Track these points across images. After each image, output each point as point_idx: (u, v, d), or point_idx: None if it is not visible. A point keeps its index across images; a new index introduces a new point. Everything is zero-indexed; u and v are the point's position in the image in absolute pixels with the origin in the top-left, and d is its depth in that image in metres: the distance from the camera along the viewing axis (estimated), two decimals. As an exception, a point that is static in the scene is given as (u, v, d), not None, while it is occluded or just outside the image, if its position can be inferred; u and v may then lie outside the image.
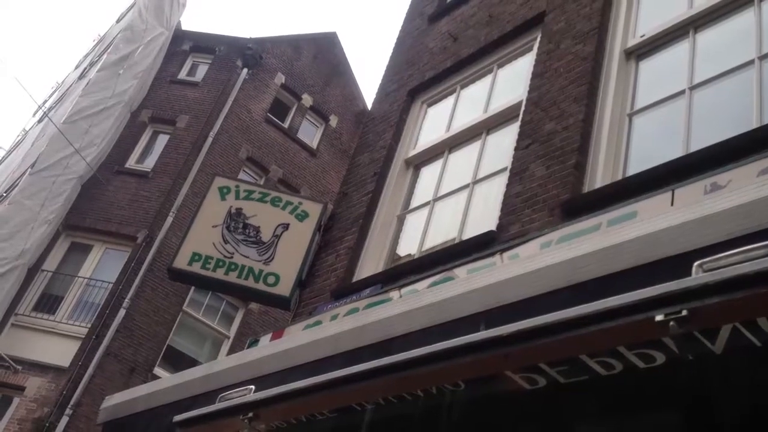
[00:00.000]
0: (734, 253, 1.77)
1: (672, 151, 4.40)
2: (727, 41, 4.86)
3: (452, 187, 6.03)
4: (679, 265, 2.01)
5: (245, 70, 18.37)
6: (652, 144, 4.79)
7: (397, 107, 7.28)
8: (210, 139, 16.93)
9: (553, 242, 4.10)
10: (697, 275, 1.80)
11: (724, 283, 1.65)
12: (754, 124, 4.05)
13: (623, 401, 2.37)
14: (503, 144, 5.80)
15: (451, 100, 6.96)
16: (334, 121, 20.42)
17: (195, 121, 17.34)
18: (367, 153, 7.11)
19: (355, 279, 5.87)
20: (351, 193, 6.76)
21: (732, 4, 4.87)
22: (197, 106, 17.71)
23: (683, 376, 2.15)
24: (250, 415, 2.72)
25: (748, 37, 4.59)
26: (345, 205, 6.65)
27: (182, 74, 18.90)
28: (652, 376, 2.07)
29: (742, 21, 4.77)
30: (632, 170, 4.63)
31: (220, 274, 5.88)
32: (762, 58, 4.41)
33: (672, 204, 3.75)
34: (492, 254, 4.53)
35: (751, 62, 4.44)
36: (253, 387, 2.93)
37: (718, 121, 4.43)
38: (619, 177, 4.64)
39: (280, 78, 19.50)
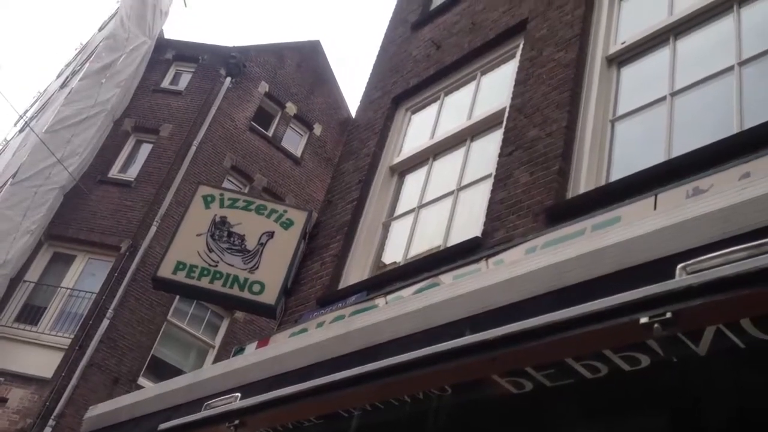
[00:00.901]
0: (716, 255, 1.79)
1: (654, 156, 4.44)
2: (707, 47, 4.91)
3: (437, 194, 6.04)
4: (662, 268, 2.03)
5: (229, 79, 18.34)
6: (635, 149, 4.82)
7: (381, 114, 7.29)
8: (194, 148, 16.87)
9: (538, 247, 4.12)
10: (681, 278, 1.82)
11: (707, 285, 1.66)
12: (735, 130, 4.10)
13: (609, 404, 2.38)
14: (487, 150, 5.82)
15: (435, 107, 6.99)
16: (318, 129, 20.41)
17: (178, 130, 17.27)
18: (351, 161, 7.11)
19: (340, 286, 5.86)
20: (336, 200, 6.76)
21: (712, 11, 4.92)
22: (181, 114, 17.64)
23: (668, 379, 2.16)
24: (236, 422, 2.70)
25: (728, 43, 4.64)
26: (330, 213, 6.65)
27: (165, 83, 18.83)
28: (637, 379, 2.08)
29: (722, 27, 4.83)
30: (615, 176, 4.66)
31: (204, 282, 5.85)
32: (742, 63, 4.47)
33: (655, 208, 3.78)
34: (477, 260, 4.54)
35: (731, 68, 4.50)
36: (239, 394, 2.91)
37: (700, 126, 4.48)
38: (603, 182, 4.68)
39: (264, 86, 19.48)
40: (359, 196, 6.48)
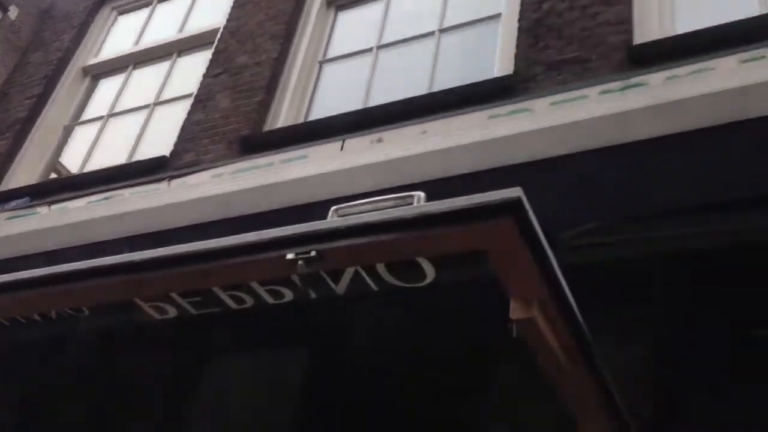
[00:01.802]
0: (367, 201, 1.84)
1: (352, 103, 4.58)
2: (416, 10, 5.14)
3: (131, 105, 5.63)
4: (325, 209, 2.06)
5: None
6: (336, 94, 4.92)
7: (84, 8, 6.59)
8: None
9: (225, 175, 4.02)
10: (331, 219, 1.85)
11: (352, 229, 1.70)
12: (425, 91, 4.36)
13: (254, 335, 2.40)
14: (193, 69, 5.54)
15: (145, 12, 6.47)
16: (14, 12, 17.83)
17: None
18: (40, 52, 6.36)
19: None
20: (13, 93, 5.97)
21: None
22: None
23: (310, 313, 2.23)
24: None
25: (435, 9, 4.90)
26: (3, 107, 5.86)
27: None
28: (282, 312, 2.11)
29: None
30: (314, 116, 4.73)
31: None
32: (442, 31, 4.76)
33: (341, 151, 3.87)
34: (159, 180, 4.31)
35: (432, 33, 4.77)
36: None
37: (397, 82, 4.68)
38: (301, 120, 4.72)
39: (-49, -52, 16.52)
40: (41, 92, 5.80)
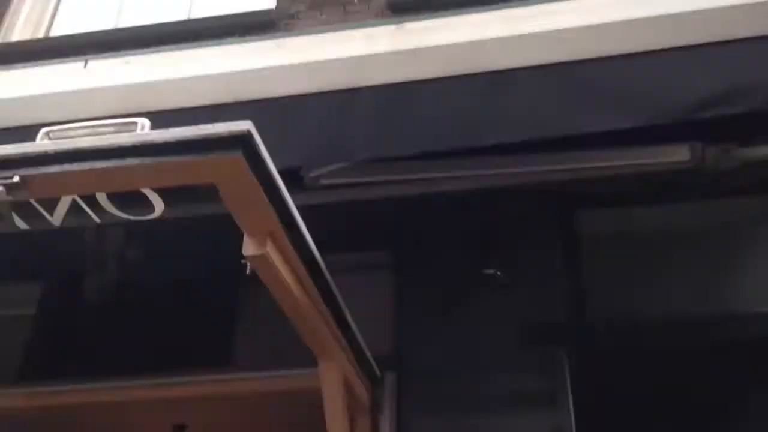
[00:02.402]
0: (84, 126, 1.66)
1: (101, 22, 4.28)
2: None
3: None
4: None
5: None
6: (84, 11, 4.54)
7: None
8: None
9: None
10: (40, 142, 1.64)
11: (61, 154, 1.52)
12: (183, 17, 4.15)
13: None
14: None
15: None
16: None
17: None
18: None
19: None
20: None
21: None
22: None
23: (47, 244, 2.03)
24: None
25: None
26: None
27: None
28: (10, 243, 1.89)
29: None
30: (56, 32, 4.36)
31: None
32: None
33: (84, 70, 3.53)
34: None
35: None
36: None
37: (153, 5, 4.39)
38: (40, 35, 4.29)
39: None
40: None
